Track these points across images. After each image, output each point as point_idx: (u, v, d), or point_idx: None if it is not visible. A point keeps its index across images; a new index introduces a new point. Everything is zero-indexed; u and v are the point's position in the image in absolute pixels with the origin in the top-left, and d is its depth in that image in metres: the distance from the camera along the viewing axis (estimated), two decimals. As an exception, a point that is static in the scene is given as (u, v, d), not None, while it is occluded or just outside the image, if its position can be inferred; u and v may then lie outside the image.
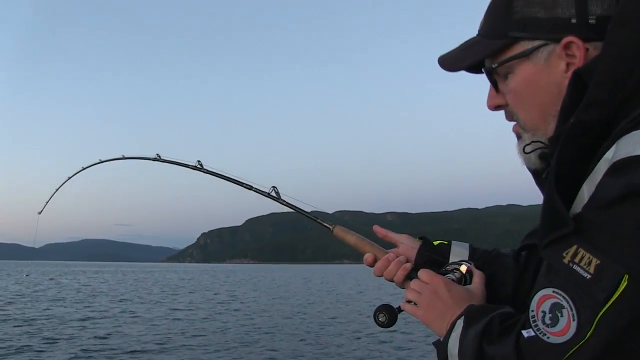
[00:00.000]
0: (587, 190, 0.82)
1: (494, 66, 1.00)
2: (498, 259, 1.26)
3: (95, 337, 14.51)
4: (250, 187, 1.53)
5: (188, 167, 1.70)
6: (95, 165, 2.35)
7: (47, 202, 3.02)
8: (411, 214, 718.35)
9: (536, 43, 0.94)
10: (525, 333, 0.84)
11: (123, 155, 2.11)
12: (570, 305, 0.79)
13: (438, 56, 1.09)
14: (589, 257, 0.77)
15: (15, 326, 15.92)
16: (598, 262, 0.76)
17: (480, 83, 1.09)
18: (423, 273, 1.16)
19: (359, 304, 27.83)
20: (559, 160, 0.86)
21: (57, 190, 2.83)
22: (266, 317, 20.35)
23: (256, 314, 21.47)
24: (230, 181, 1.59)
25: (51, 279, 52.69)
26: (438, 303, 1.08)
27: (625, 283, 0.73)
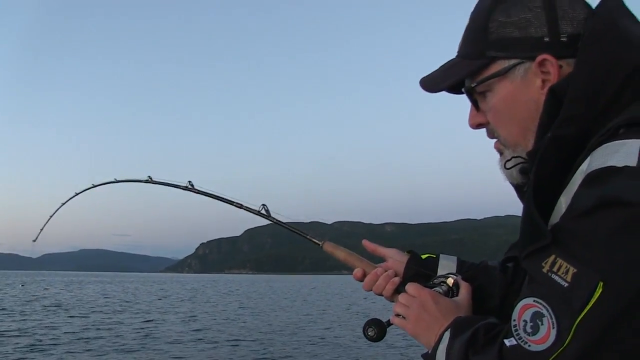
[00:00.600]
0: (564, 202, 0.85)
1: (473, 85, 1.03)
2: (485, 271, 1.29)
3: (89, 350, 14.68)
4: (240, 206, 1.56)
5: (179, 188, 1.73)
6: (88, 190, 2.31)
7: (41, 230, 3.00)
8: (410, 224, 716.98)
9: (512, 62, 0.98)
10: (507, 342, 0.86)
11: (115, 179, 2.15)
12: (550, 314, 0.81)
13: (419, 79, 1.12)
14: (567, 266, 0.79)
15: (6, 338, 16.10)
16: (575, 270, 0.78)
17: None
18: (410, 287, 1.17)
19: (350, 315, 27.97)
20: (537, 174, 0.89)
21: (51, 217, 2.79)
22: (264, 329, 20.53)
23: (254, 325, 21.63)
24: (222, 200, 1.62)
25: (46, 289, 52.57)
26: (426, 316, 1.10)
27: (600, 290, 0.76)
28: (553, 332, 0.80)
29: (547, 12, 0.96)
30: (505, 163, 1.05)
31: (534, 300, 0.83)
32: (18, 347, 14.38)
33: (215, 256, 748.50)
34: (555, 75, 0.94)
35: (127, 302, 35.02)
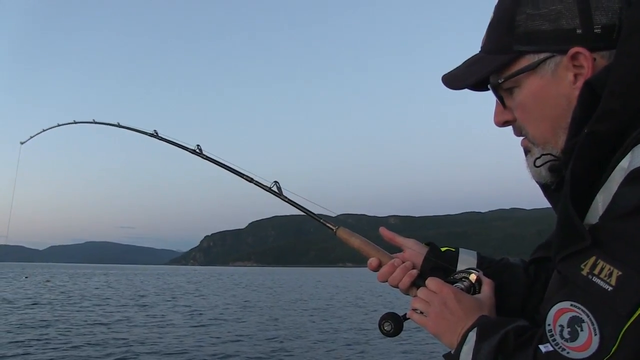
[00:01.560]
0: (601, 201, 0.81)
1: (500, 81, 0.98)
2: (507, 268, 1.24)
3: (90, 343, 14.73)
4: (250, 180, 1.47)
5: (186, 150, 1.62)
6: (89, 125, 2.29)
7: (32, 137, 2.93)
8: (414, 217, 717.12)
9: (542, 56, 0.93)
10: (543, 348, 0.81)
11: (119, 123, 2.05)
12: (591, 319, 0.76)
13: (441, 75, 1.08)
14: (610, 269, 0.75)
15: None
16: (620, 273, 0.74)
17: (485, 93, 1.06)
18: (431, 282, 1.12)
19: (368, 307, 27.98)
20: (573, 173, 0.84)
21: (44, 130, 2.73)
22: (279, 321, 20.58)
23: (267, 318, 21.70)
24: (230, 171, 1.51)
25: (47, 281, 52.64)
26: (448, 314, 1.05)
27: None
28: (595, 339, 0.75)
29: (579, 2, 0.90)
30: (535, 161, 1.00)
31: (571, 305, 0.79)
32: (32, 339, 14.42)
33: (220, 249, 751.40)
34: (589, 69, 0.89)
35: (140, 295, 35.02)
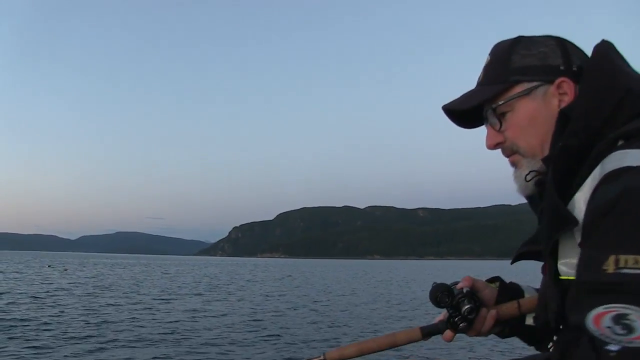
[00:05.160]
0: (582, 198, 0.98)
1: (500, 103, 1.16)
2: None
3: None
4: None
5: None
6: None
7: None
8: (443, 209, 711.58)
9: (534, 83, 1.14)
10: (612, 348, 0.85)
11: None
12: (635, 309, 0.83)
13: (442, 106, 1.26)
14: (634, 258, 0.84)
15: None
16: None
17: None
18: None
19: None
20: (554, 174, 1.04)
21: None
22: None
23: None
24: None
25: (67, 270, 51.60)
26: None
27: None
28: None
29: (561, 48, 1.15)
30: (526, 176, 1.17)
31: (605, 308, 0.86)
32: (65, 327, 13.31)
33: (248, 240, 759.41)
34: (571, 95, 1.11)
35: (179, 286, 34.58)
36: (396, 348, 1.31)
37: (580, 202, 0.98)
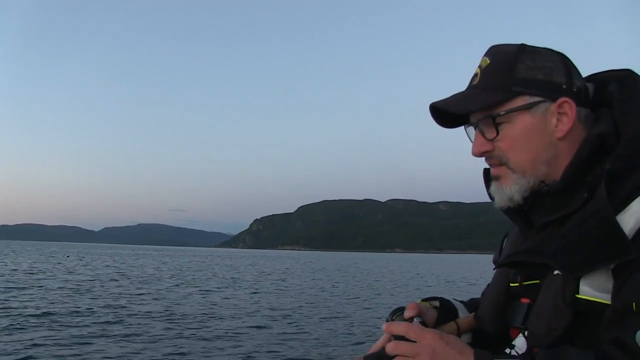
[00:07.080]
0: (630, 222, 0.97)
1: (501, 113, 1.11)
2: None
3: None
4: None
5: None
6: None
7: None
8: (464, 203, 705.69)
9: (537, 99, 1.09)
10: None
11: None
12: None
13: (430, 104, 1.18)
14: None
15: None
16: None
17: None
18: (410, 329, 1.05)
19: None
20: (605, 197, 0.99)
21: None
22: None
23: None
24: None
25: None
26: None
27: None
28: None
29: (564, 65, 1.11)
30: (510, 187, 1.13)
31: None
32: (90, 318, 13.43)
33: (269, 232, 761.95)
34: (572, 117, 1.08)
35: (213, 277, 34.92)
36: None
37: (627, 225, 0.96)
